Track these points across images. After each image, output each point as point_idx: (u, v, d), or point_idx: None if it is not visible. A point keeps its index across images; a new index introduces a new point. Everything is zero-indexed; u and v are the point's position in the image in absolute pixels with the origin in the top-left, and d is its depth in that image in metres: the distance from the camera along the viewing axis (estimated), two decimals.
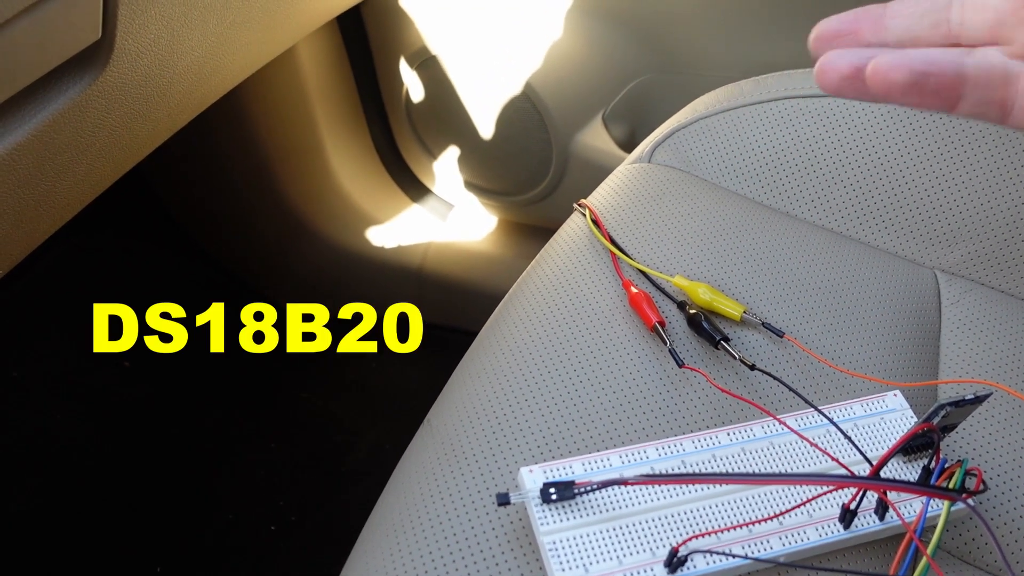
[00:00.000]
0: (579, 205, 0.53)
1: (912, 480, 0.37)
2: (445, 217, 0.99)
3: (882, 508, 0.37)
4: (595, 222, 0.50)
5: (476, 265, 0.96)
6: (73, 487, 0.84)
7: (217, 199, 0.99)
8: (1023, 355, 0.46)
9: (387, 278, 0.98)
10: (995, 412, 0.43)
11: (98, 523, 0.83)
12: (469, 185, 0.93)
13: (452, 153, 0.91)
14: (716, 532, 0.35)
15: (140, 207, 1.02)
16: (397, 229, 0.98)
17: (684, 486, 0.37)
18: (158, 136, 0.62)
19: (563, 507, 0.36)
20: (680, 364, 0.42)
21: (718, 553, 0.35)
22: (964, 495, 0.33)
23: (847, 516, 0.36)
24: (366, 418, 0.94)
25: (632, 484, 0.36)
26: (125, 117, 0.52)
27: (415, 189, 0.99)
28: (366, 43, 0.89)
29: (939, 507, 0.37)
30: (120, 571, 0.80)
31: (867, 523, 0.37)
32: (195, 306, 0.99)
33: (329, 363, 0.98)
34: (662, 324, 0.44)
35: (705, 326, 0.43)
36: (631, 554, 0.35)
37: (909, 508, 0.37)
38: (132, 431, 0.90)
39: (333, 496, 0.87)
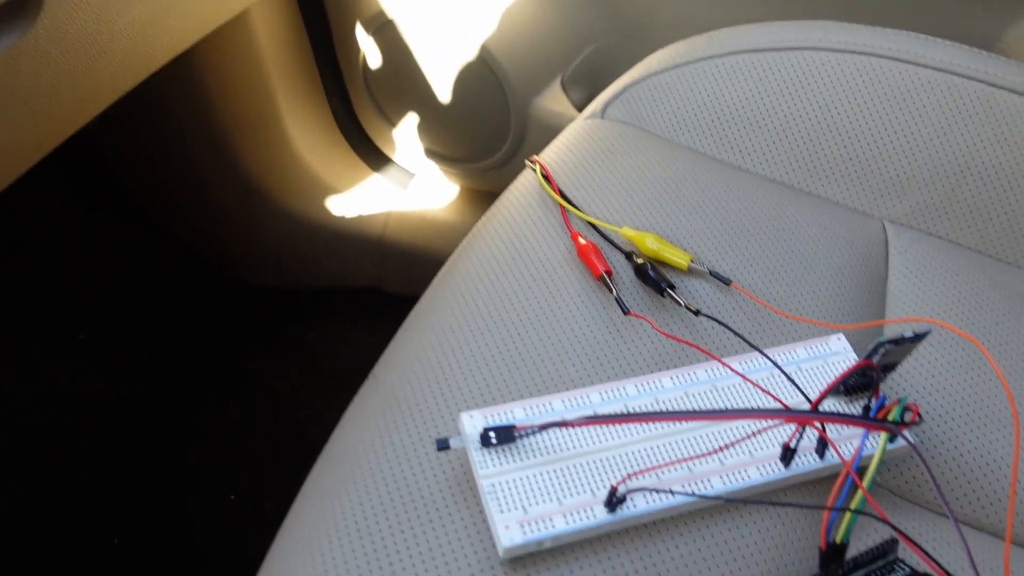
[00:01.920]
0: (530, 161, 0.52)
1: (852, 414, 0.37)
2: (406, 186, 0.99)
3: (822, 446, 0.37)
4: (545, 177, 0.50)
5: (438, 234, 0.96)
6: (28, 465, 0.83)
7: (172, 169, 0.97)
8: (967, 300, 0.46)
9: (348, 248, 0.97)
10: (938, 354, 0.43)
11: (52, 495, 0.82)
12: (429, 152, 0.92)
13: (411, 120, 0.90)
14: (656, 468, 0.35)
15: (95, 179, 1.00)
16: (357, 199, 0.97)
17: (626, 429, 0.37)
18: (101, 99, 0.61)
19: (503, 451, 0.36)
20: (626, 312, 0.42)
21: (658, 491, 0.35)
22: (899, 426, 0.33)
23: (787, 455, 0.36)
24: (327, 392, 0.93)
25: (573, 426, 0.36)
26: (63, 75, 0.51)
27: (375, 158, 0.98)
28: (322, 8, 0.87)
29: (877, 445, 0.38)
30: (78, 542, 0.80)
31: (807, 462, 0.37)
32: (152, 279, 0.98)
33: (291, 339, 0.98)
34: (609, 274, 0.43)
35: (651, 274, 0.43)
36: (571, 495, 0.35)
37: (849, 447, 0.37)
38: (89, 407, 0.89)
39: (293, 468, 0.86)
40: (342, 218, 0.97)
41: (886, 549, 0.36)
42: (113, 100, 0.62)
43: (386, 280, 0.99)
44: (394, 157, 0.98)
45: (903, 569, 0.35)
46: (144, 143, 0.97)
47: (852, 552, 0.36)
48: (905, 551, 0.36)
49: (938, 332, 0.44)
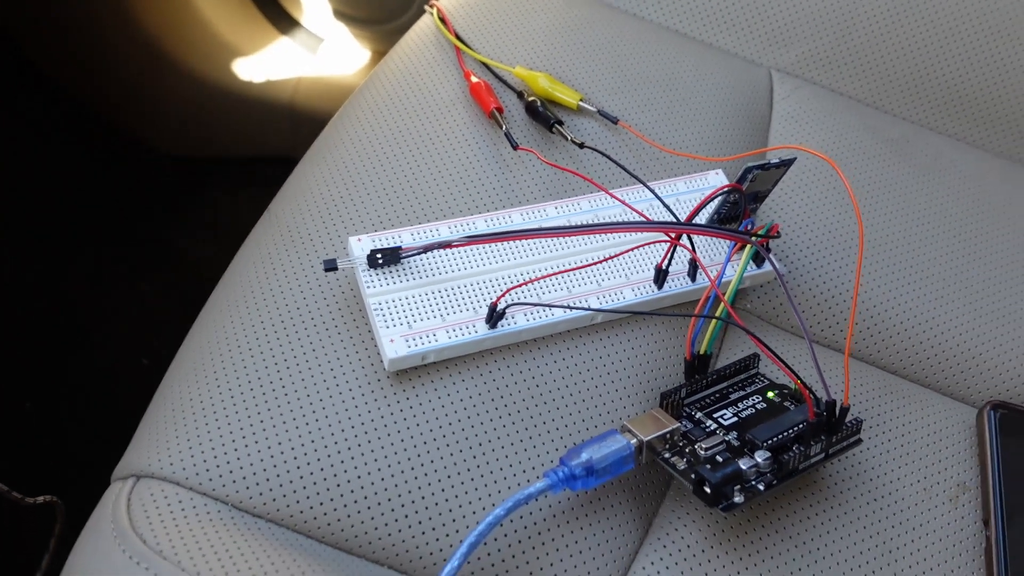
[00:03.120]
0: (429, 6, 0.52)
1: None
2: (315, 51, 0.96)
3: (693, 270, 0.39)
4: (442, 20, 0.50)
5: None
6: None
7: (72, 32, 0.93)
8: (841, 142, 0.48)
9: (257, 115, 0.95)
10: (807, 190, 0.45)
11: None
12: (338, 14, 0.90)
13: None
14: (533, 281, 0.37)
15: None
16: (265, 63, 0.95)
17: (507, 252, 0.38)
18: None
19: (389, 272, 0.37)
20: (514, 146, 0.43)
21: (535, 305, 0.37)
22: (758, 240, 0.35)
23: (660, 276, 0.39)
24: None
25: (455, 246, 0.37)
26: None
27: (283, 21, 0.95)
28: None
29: (748, 271, 0.40)
30: None
31: (679, 284, 0.39)
32: (54, 147, 0.95)
33: (199, 205, 0.96)
34: (499, 110, 0.44)
35: (541, 110, 0.44)
36: (454, 312, 0.36)
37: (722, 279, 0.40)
38: None
39: None
40: (250, 83, 0.94)
41: (748, 363, 0.39)
42: None
43: (298, 148, 0.98)
44: (302, 20, 0.95)
45: (762, 381, 0.38)
46: (43, 9, 0.92)
47: (717, 367, 0.39)
48: (766, 367, 0.39)
49: (811, 171, 0.46)
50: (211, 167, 0.98)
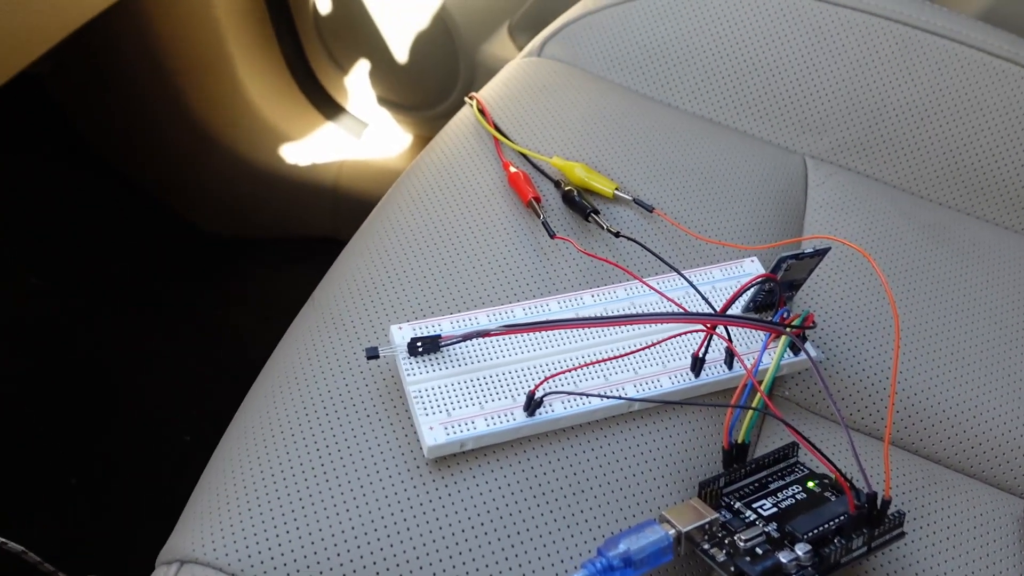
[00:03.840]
0: (468, 98, 0.54)
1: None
2: (359, 135, 1.00)
3: (730, 358, 0.40)
4: (480, 111, 0.52)
5: (391, 182, 0.97)
6: None
7: (124, 115, 0.97)
8: (877, 228, 0.49)
9: (301, 197, 0.98)
10: (842, 279, 0.46)
11: (11, 438, 0.83)
12: (381, 100, 0.93)
13: (363, 67, 0.91)
14: (572, 370, 0.37)
15: (48, 125, 1.00)
16: (310, 147, 0.98)
17: (545, 341, 0.39)
18: (48, 34, 0.61)
19: (429, 360, 0.38)
20: (552, 235, 0.44)
21: (574, 394, 0.37)
22: (793, 330, 0.35)
23: (697, 365, 0.39)
24: (280, 334, 0.95)
25: (494, 335, 0.38)
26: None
27: (328, 106, 0.99)
28: None
29: (785, 358, 0.40)
30: (35, 484, 0.81)
31: (716, 373, 0.39)
32: (105, 225, 0.98)
33: (243, 283, 0.99)
34: (537, 200, 0.45)
35: (577, 199, 0.45)
36: (492, 400, 0.37)
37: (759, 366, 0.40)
38: (42, 350, 0.89)
39: None
40: (295, 166, 0.98)
41: (787, 452, 0.39)
42: (61, 37, 0.62)
43: (341, 230, 1.00)
44: (347, 106, 0.99)
45: (802, 471, 0.38)
46: (96, 89, 0.97)
47: (755, 455, 0.39)
48: (805, 456, 0.39)
49: (847, 258, 0.46)
50: (256, 246, 1.00)
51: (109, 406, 0.87)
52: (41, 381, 0.87)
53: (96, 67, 0.92)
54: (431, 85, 0.88)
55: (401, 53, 0.87)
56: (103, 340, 0.91)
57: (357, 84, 0.93)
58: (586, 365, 0.38)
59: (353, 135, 0.99)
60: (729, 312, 0.38)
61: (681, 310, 0.40)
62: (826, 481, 0.37)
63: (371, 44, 0.88)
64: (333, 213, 0.98)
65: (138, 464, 0.84)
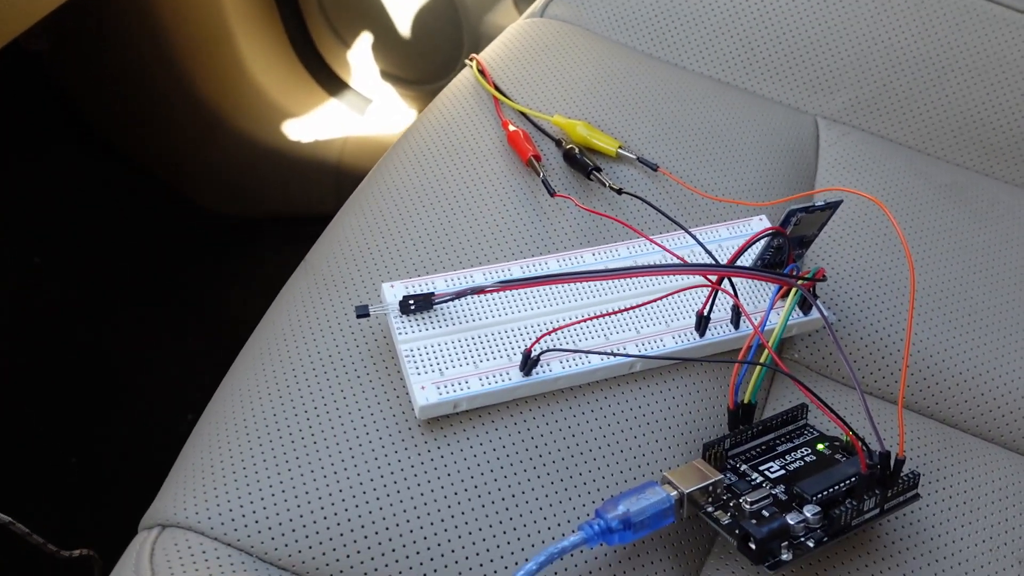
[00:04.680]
0: (468, 59, 0.52)
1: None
2: (363, 111, 0.98)
3: (736, 316, 0.38)
4: (481, 72, 0.50)
5: None
6: None
7: (127, 93, 0.96)
8: (891, 188, 0.47)
9: (304, 174, 0.97)
10: (857, 238, 0.44)
11: (12, 418, 0.82)
12: (385, 75, 0.91)
13: (366, 40, 0.90)
14: (571, 325, 0.36)
15: (49, 105, 0.99)
16: (314, 124, 0.96)
17: (542, 299, 0.38)
18: (41, 2, 0.60)
19: (422, 318, 0.36)
20: (552, 193, 0.42)
21: (572, 351, 0.35)
22: (804, 283, 0.33)
23: (701, 323, 0.37)
24: None
25: (490, 292, 0.36)
26: None
27: (332, 83, 0.98)
28: None
29: (794, 318, 0.39)
30: (34, 464, 0.80)
31: (722, 332, 0.38)
32: (108, 205, 0.97)
33: (246, 262, 0.97)
34: (537, 158, 0.44)
35: (579, 157, 0.44)
36: (487, 359, 0.36)
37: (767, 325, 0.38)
38: (45, 330, 0.89)
39: None
40: (298, 143, 0.96)
41: (795, 414, 0.37)
42: (55, 4, 0.61)
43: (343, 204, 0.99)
44: (350, 81, 0.97)
45: (811, 433, 0.37)
46: (96, 67, 0.95)
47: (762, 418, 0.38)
48: (814, 419, 0.37)
49: (859, 215, 0.44)
50: (258, 225, 0.99)
51: (112, 386, 0.86)
52: (43, 361, 0.86)
53: (96, 45, 0.91)
54: (435, 58, 0.86)
55: (404, 26, 0.86)
56: (106, 321, 0.90)
57: (360, 58, 0.91)
58: (585, 320, 0.36)
59: (357, 111, 0.98)
60: (730, 258, 0.36)
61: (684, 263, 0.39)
62: (836, 443, 0.35)
63: (374, 17, 0.86)
64: (337, 190, 0.96)
65: (139, 444, 0.83)
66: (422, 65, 0.88)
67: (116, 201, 0.98)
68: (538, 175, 0.43)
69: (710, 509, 0.32)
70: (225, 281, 0.96)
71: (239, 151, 0.96)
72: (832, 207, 0.37)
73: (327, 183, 0.97)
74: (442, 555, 0.32)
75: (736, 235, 0.42)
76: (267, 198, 0.99)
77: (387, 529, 0.32)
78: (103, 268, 0.93)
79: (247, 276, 0.97)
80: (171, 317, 0.92)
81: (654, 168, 0.44)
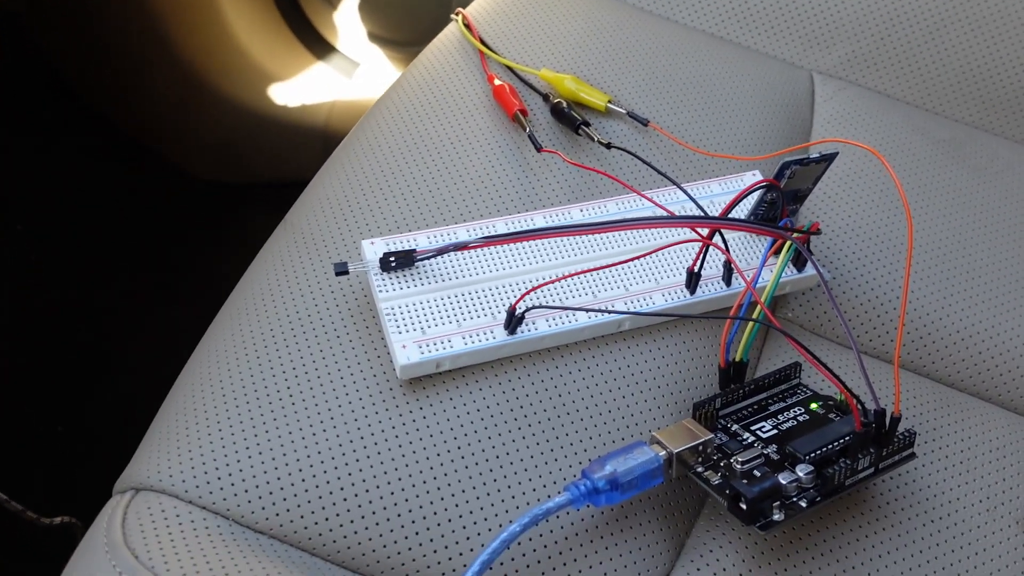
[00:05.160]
0: (455, 13, 0.51)
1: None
2: (350, 75, 0.96)
3: (728, 272, 0.37)
4: (467, 25, 0.48)
5: None
6: None
7: (109, 57, 0.94)
8: (889, 144, 0.45)
9: (292, 138, 0.95)
10: (855, 192, 0.43)
11: None
12: (373, 37, 0.89)
13: (352, 1, 0.88)
14: (556, 280, 0.35)
15: (28, 69, 0.97)
16: (300, 88, 0.95)
17: (527, 256, 0.36)
18: None
19: (403, 276, 0.35)
20: (538, 148, 0.41)
21: (557, 308, 0.34)
22: (797, 236, 0.32)
23: (692, 280, 0.36)
24: None
25: (473, 247, 0.35)
26: None
27: (318, 45, 0.95)
28: None
29: (787, 275, 0.38)
30: (21, 430, 0.79)
31: (713, 289, 0.37)
32: (91, 170, 0.95)
33: (233, 229, 0.96)
34: (523, 112, 0.42)
35: (567, 112, 0.42)
36: (471, 317, 0.34)
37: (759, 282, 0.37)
38: (29, 295, 0.87)
39: None
40: (284, 108, 0.94)
41: (788, 373, 0.36)
42: None
43: None
44: (337, 44, 0.95)
45: (804, 392, 0.36)
46: (76, 29, 0.93)
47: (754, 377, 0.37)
48: (808, 378, 0.36)
49: (855, 170, 0.43)
50: (245, 191, 0.97)
51: (99, 352, 0.85)
52: (29, 329, 0.85)
53: (75, 5, 0.89)
54: (423, 19, 0.84)
55: None
56: (93, 288, 0.89)
57: (347, 20, 0.89)
58: (572, 275, 0.35)
59: (344, 75, 0.96)
60: (722, 211, 0.35)
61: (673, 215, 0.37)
62: (830, 403, 0.34)
63: None
64: (324, 155, 0.94)
65: (126, 411, 0.82)
66: (410, 26, 0.86)
67: (99, 166, 0.96)
68: (524, 130, 0.42)
69: (700, 469, 0.31)
70: (211, 247, 0.94)
71: (224, 116, 0.94)
72: (828, 159, 0.36)
73: (314, 148, 0.95)
74: (424, 517, 0.31)
75: (728, 191, 0.40)
76: (253, 163, 0.97)
77: (367, 491, 0.31)
78: (87, 234, 0.91)
79: (233, 242, 0.96)
80: (157, 284, 0.91)
81: (644, 123, 0.43)
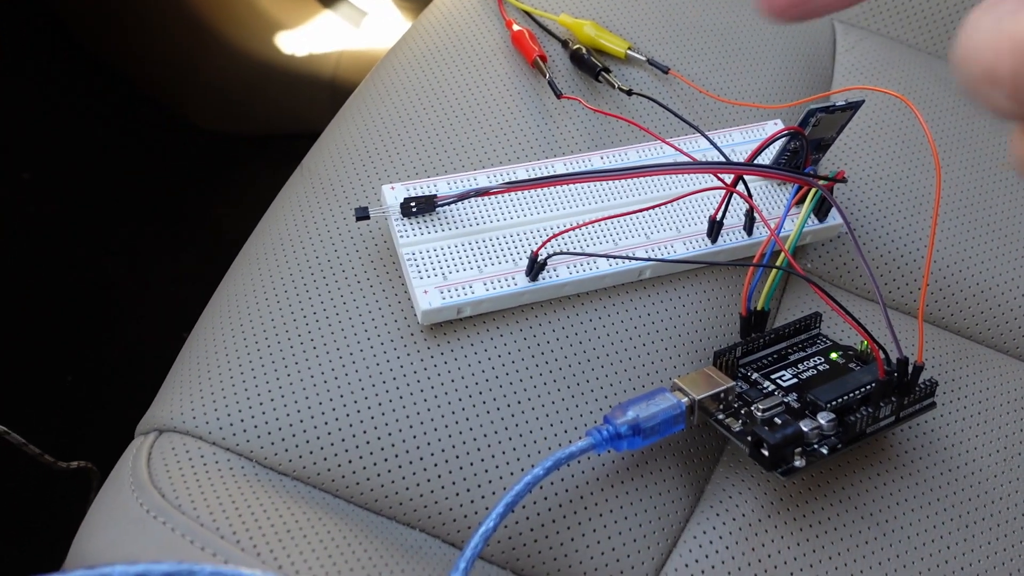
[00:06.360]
0: None
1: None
2: (359, 24, 0.95)
3: (750, 221, 0.37)
4: None
5: None
6: None
7: (115, 8, 0.92)
8: (911, 94, 0.45)
9: (300, 89, 0.94)
10: (879, 141, 0.42)
11: (6, 336, 0.81)
12: None
13: None
14: (578, 227, 0.34)
15: (33, 18, 0.96)
16: (307, 37, 0.93)
17: (549, 203, 0.36)
18: None
19: (424, 221, 0.35)
20: (558, 95, 0.40)
21: (580, 255, 0.34)
22: (823, 183, 0.32)
23: (714, 228, 0.36)
24: None
25: (495, 193, 0.35)
26: None
27: None
28: None
29: (809, 225, 0.37)
30: (30, 382, 0.79)
31: (735, 238, 0.36)
32: (97, 120, 0.95)
33: (240, 181, 0.95)
34: (543, 58, 0.42)
35: (587, 58, 0.42)
36: (492, 263, 0.34)
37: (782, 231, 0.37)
38: (36, 248, 0.87)
39: None
40: (292, 57, 0.93)
41: (808, 323, 0.36)
42: None
43: None
44: None
45: (825, 342, 0.36)
46: None
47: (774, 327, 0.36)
48: (828, 328, 0.36)
49: (880, 119, 0.43)
50: (253, 142, 0.97)
51: (107, 303, 0.85)
52: (36, 279, 0.85)
53: None
54: None
55: None
56: (99, 239, 0.89)
57: None
58: (593, 222, 0.35)
59: (352, 23, 0.94)
60: (746, 159, 0.35)
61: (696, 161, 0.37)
62: (850, 352, 0.34)
63: None
64: (332, 106, 0.93)
65: (135, 361, 0.82)
66: None
67: (106, 118, 0.95)
68: (544, 76, 0.41)
69: (721, 416, 0.32)
70: (218, 199, 0.94)
71: (230, 65, 0.93)
72: (854, 107, 0.35)
73: (322, 99, 0.94)
74: (446, 461, 0.31)
75: (750, 139, 0.40)
76: (260, 115, 0.96)
77: (390, 435, 0.32)
78: (94, 185, 0.91)
79: (240, 194, 0.95)
80: (164, 235, 0.90)
81: (665, 70, 0.42)
